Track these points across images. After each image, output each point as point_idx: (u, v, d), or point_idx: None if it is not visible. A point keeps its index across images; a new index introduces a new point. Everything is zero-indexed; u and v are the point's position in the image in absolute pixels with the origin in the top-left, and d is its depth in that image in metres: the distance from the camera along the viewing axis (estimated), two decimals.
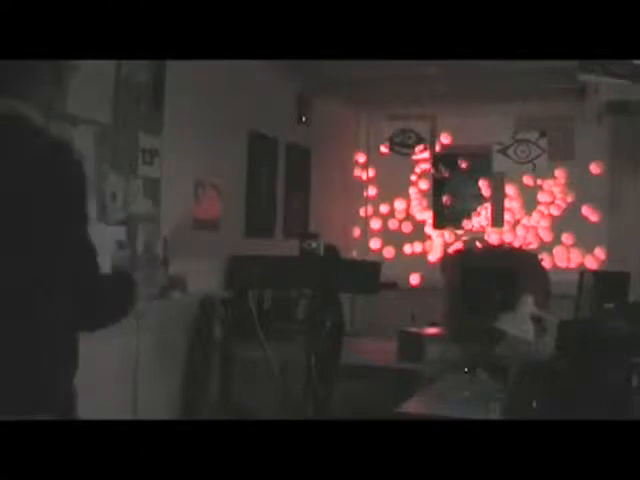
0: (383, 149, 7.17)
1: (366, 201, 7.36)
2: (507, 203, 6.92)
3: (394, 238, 7.11)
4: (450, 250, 6.21)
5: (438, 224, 7.08)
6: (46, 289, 1.83)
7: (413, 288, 6.71)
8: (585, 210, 6.63)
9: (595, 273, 4.48)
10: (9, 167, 1.83)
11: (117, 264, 2.18)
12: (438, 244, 7.00)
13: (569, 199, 6.70)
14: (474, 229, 6.87)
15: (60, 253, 1.84)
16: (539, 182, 6.79)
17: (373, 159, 7.32)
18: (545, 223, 6.79)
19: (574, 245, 6.64)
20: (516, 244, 6.47)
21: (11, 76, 1.91)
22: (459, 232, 6.91)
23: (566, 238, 6.69)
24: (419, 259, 6.97)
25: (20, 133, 1.88)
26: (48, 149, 1.89)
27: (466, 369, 3.62)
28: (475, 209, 7.01)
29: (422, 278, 6.83)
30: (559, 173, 6.72)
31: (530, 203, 6.84)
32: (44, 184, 1.83)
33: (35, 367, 1.82)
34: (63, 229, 1.85)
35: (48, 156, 1.87)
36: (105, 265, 2.03)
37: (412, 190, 7.22)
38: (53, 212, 1.83)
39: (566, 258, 6.63)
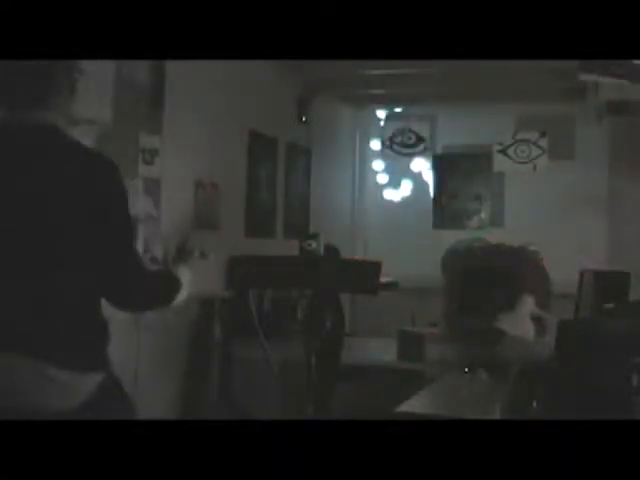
0: (383, 149, 7.18)
1: (366, 201, 7.36)
2: (507, 203, 6.92)
3: (394, 237, 7.11)
4: (450, 250, 6.20)
5: (438, 224, 7.08)
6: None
7: (413, 288, 6.71)
8: (585, 210, 6.63)
9: (595, 273, 4.48)
10: (46, 177, 1.93)
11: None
12: (438, 244, 6.99)
13: (569, 199, 6.70)
14: (474, 229, 6.87)
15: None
16: (539, 182, 6.78)
17: (373, 159, 7.32)
18: (545, 223, 6.78)
19: (574, 245, 6.64)
20: (516, 244, 6.46)
21: (32, 84, 1.95)
22: (459, 232, 6.90)
23: (566, 238, 6.68)
24: (419, 259, 6.97)
25: (55, 145, 1.95)
26: (79, 153, 1.96)
27: (466, 369, 3.62)
28: (475, 209, 7.01)
29: (422, 278, 6.82)
30: (559, 173, 6.72)
31: (530, 203, 6.84)
32: (79, 190, 1.94)
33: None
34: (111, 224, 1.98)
35: (81, 162, 1.94)
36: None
37: (411, 190, 7.22)
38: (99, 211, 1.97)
39: (566, 258, 6.63)
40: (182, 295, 2.17)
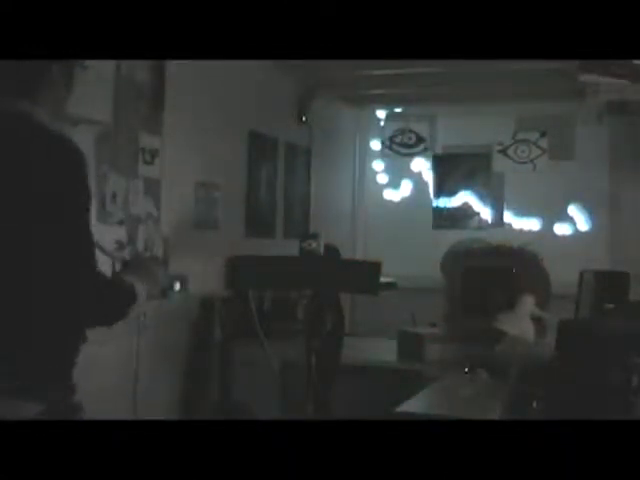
0: (383, 149, 7.18)
1: (366, 201, 7.36)
2: (507, 203, 6.92)
3: (394, 237, 7.11)
4: (450, 250, 6.21)
5: (438, 224, 7.08)
6: (44, 286, 1.85)
7: (413, 288, 6.71)
8: (585, 210, 6.63)
9: (595, 273, 4.48)
10: (10, 164, 1.85)
11: (117, 264, 2.18)
12: (438, 244, 6.99)
13: (569, 199, 6.70)
14: (474, 229, 6.87)
15: (61, 250, 1.86)
16: (539, 182, 6.78)
17: (372, 159, 7.32)
18: (544, 223, 6.79)
19: (574, 245, 6.64)
20: (516, 244, 6.46)
21: (21, 76, 1.93)
22: (459, 232, 6.90)
23: (566, 238, 6.68)
24: (419, 259, 6.97)
25: (22, 130, 1.90)
26: (50, 147, 1.90)
27: (466, 369, 3.62)
28: (474, 209, 7.01)
29: (422, 278, 6.82)
30: (559, 173, 6.72)
31: (530, 203, 6.84)
32: (45, 181, 1.85)
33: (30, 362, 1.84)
34: (64, 227, 1.86)
35: (49, 154, 1.89)
36: (105, 265, 2.04)
37: (411, 190, 7.22)
38: (54, 210, 1.85)
39: (566, 258, 6.62)
40: (137, 306, 2.02)
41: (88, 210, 1.92)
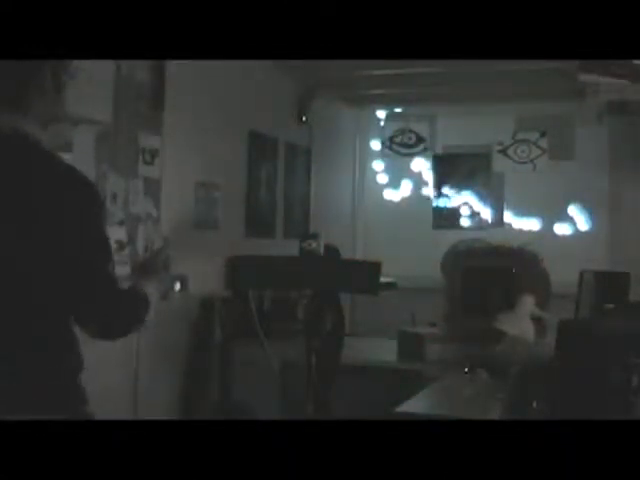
0: (383, 149, 7.18)
1: (366, 201, 7.36)
2: (507, 203, 6.92)
3: (394, 237, 7.11)
4: (450, 250, 6.22)
5: (438, 224, 7.08)
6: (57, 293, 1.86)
7: (413, 288, 6.71)
8: (585, 210, 6.63)
9: (595, 273, 4.48)
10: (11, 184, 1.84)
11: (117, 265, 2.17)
12: (438, 244, 6.98)
13: (569, 199, 6.70)
14: (474, 229, 6.86)
15: (76, 259, 1.86)
16: (539, 182, 6.79)
17: (372, 159, 7.32)
18: (544, 223, 6.78)
19: (574, 245, 6.64)
20: (516, 244, 6.46)
21: (8, 87, 1.91)
22: (459, 232, 6.90)
23: (566, 238, 6.68)
24: (419, 259, 6.97)
25: (20, 151, 1.88)
26: (46, 163, 1.90)
27: (466, 369, 3.62)
28: (474, 209, 7.01)
29: (422, 278, 6.82)
30: (559, 173, 6.72)
31: (530, 203, 6.84)
32: (45, 198, 1.84)
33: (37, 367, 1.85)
34: (76, 235, 1.86)
35: (47, 169, 1.89)
36: (122, 274, 2.04)
37: (411, 190, 7.22)
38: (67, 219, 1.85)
39: (566, 258, 6.62)
40: (150, 312, 2.02)
41: (102, 216, 1.93)
